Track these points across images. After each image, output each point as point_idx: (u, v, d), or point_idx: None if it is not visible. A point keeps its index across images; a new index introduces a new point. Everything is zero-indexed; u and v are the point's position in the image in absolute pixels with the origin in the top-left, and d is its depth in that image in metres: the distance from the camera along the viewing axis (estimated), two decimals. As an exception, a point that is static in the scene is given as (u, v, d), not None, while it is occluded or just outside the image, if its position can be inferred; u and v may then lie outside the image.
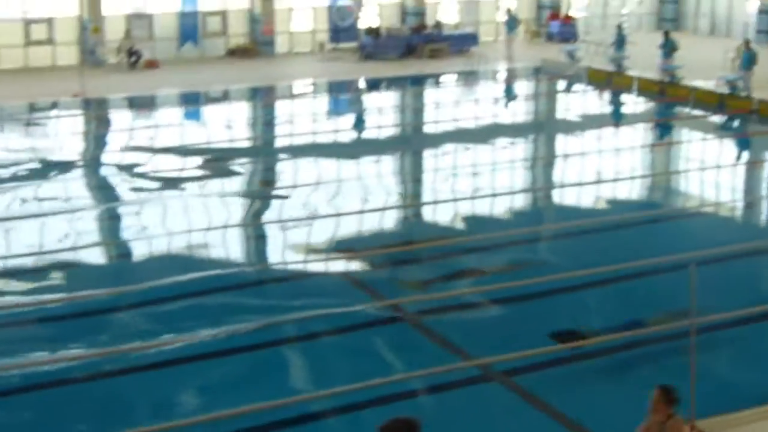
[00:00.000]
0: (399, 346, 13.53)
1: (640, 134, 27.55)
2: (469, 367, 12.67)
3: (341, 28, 39.63)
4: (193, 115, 31.11)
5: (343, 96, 33.61)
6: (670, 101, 30.99)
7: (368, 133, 28.20)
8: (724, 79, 30.85)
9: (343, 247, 17.51)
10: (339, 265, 16.62)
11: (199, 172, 22.45)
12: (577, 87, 34.39)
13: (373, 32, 38.49)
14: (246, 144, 26.59)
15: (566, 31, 42.21)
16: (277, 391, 11.82)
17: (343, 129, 28.62)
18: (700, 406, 10.42)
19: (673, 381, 9.55)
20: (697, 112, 29.66)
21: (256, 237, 18.48)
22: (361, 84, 34.60)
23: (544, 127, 28.83)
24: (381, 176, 22.67)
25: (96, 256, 17.23)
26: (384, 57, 38.02)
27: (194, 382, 12.25)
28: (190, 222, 18.71)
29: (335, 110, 31.85)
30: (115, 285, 15.38)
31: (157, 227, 18.42)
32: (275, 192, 21.44)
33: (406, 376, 12.19)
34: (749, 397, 11.82)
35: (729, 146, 26.32)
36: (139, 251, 17.34)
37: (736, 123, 28.64)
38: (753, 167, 24.30)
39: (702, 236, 18.38)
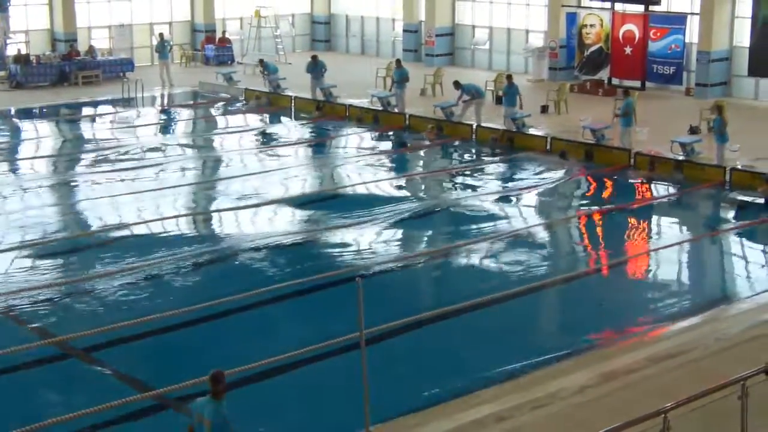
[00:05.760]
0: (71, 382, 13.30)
1: (298, 153, 28.10)
2: (146, 398, 12.47)
3: (-14, 57, 37.87)
4: None
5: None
6: (328, 119, 31.79)
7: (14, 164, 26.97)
8: (376, 96, 32.07)
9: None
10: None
11: None
12: (235, 109, 34.53)
13: (21, 60, 37.02)
14: None
15: (222, 54, 42.41)
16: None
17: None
18: (375, 413, 10.75)
19: (349, 390, 9.76)
20: (355, 129, 30.61)
21: None
22: (12, 113, 33.15)
23: (197, 151, 28.60)
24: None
25: None
26: (35, 85, 36.65)
27: None
28: None
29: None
30: None
31: None
32: None
33: (82, 413, 11.79)
34: (420, 400, 12.37)
35: (382, 161, 27.21)
36: None
37: (390, 138, 29.72)
38: (409, 180, 25.33)
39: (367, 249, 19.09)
